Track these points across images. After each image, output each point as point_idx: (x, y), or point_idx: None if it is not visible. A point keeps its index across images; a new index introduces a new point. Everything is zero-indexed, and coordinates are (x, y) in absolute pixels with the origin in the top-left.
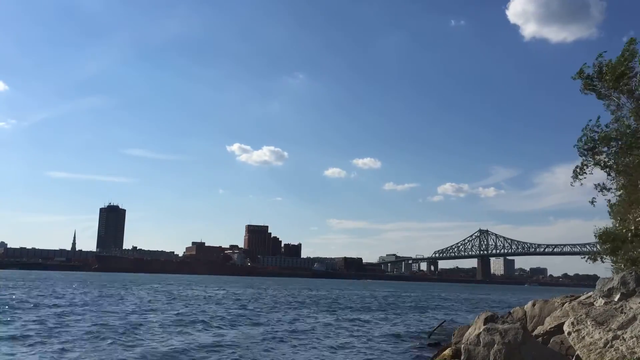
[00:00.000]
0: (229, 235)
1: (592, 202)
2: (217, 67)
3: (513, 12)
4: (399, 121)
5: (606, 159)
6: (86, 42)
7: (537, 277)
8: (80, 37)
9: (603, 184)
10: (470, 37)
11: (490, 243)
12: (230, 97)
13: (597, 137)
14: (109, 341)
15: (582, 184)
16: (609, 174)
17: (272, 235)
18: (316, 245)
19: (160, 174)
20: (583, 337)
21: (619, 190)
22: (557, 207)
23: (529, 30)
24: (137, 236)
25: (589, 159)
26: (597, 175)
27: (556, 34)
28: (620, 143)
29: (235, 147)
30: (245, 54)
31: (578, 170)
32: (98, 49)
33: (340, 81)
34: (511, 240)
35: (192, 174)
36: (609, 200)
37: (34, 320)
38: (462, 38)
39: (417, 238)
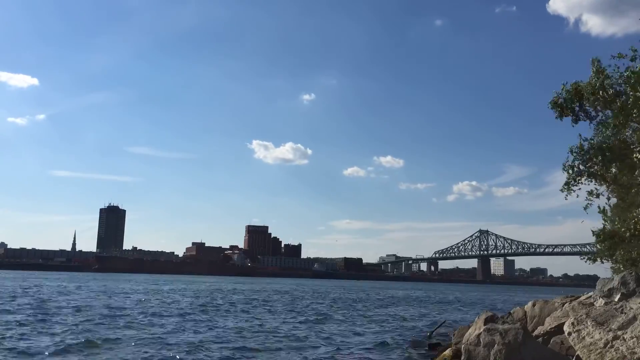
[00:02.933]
0: (229, 235)
1: (585, 209)
2: (235, 60)
3: (561, 3)
4: (422, 117)
5: (597, 169)
6: (92, 36)
7: (538, 277)
8: (86, 31)
9: (596, 189)
10: (507, 29)
11: (490, 243)
12: (251, 93)
13: (589, 151)
14: None
15: (577, 195)
16: (600, 183)
17: (273, 236)
18: (321, 246)
19: (168, 173)
20: (583, 338)
21: (612, 194)
22: (566, 207)
23: (573, 21)
24: (137, 236)
25: (583, 171)
26: (588, 184)
27: (604, 27)
28: (611, 151)
29: (254, 144)
30: (266, 46)
31: (571, 182)
32: (105, 43)
33: (370, 75)
34: (511, 240)
35: (200, 173)
36: (599, 207)
37: None
38: (497, 30)
39: (423, 238)
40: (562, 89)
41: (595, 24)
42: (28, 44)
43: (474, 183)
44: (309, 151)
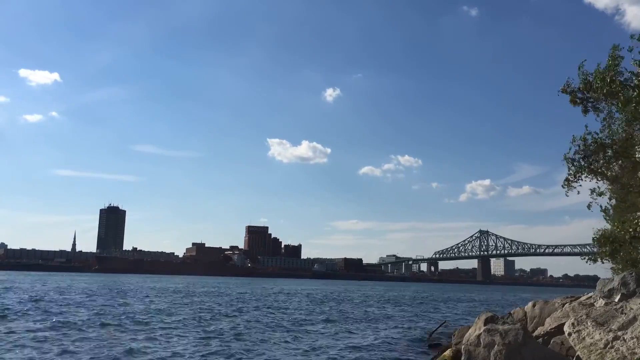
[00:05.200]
0: (230, 236)
1: (589, 207)
2: (250, 55)
3: None
4: (444, 115)
5: (599, 166)
6: (99, 32)
7: (538, 277)
8: (92, 27)
9: (598, 187)
10: (541, 20)
11: (490, 244)
12: (268, 89)
13: (591, 146)
14: None
15: (578, 192)
16: (602, 181)
17: (273, 236)
18: (324, 246)
19: (174, 172)
20: (583, 338)
21: (613, 195)
22: (574, 207)
23: (611, 12)
24: (137, 237)
25: (584, 166)
26: (591, 181)
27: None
28: (613, 150)
29: (269, 142)
30: (284, 39)
31: (571, 178)
32: (112, 38)
33: (392, 72)
34: (511, 240)
35: (207, 172)
36: (601, 206)
37: None
38: (530, 20)
39: (427, 238)
40: (578, 70)
41: (636, 15)
42: (39, 40)
43: (486, 182)
44: (328, 150)
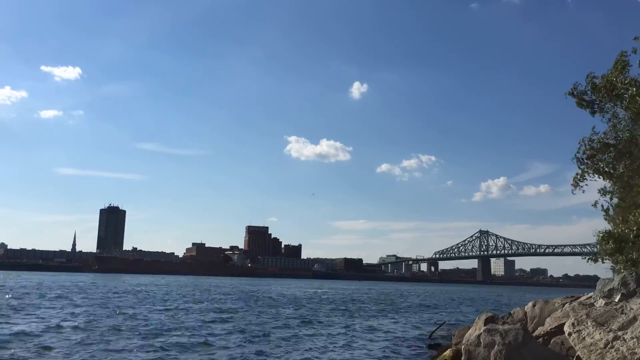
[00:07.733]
0: (230, 236)
1: (594, 205)
2: (261, 49)
3: None
4: (465, 114)
5: (604, 165)
6: (103, 23)
7: (538, 277)
8: (94, 23)
9: (605, 187)
10: (579, 13)
11: (490, 244)
12: (282, 84)
13: (596, 146)
14: None
15: (583, 191)
16: (608, 180)
17: (273, 236)
18: (328, 246)
19: (181, 170)
20: (584, 338)
21: (616, 194)
22: (582, 205)
23: None
24: (137, 237)
25: (589, 166)
26: (600, 180)
27: None
28: (618, 149)
29: (287, 140)
30: (296, 32)
31: (578, 177)
32: (116, 33)
33: (423, 68)
34: (511, 240)
35: (212, 171)
36: (602, 205)
37: None
38: (570, 13)
39: (432, 237)
40: (586, 78)
41: None
42: (56, 35)
43: (501, 181)
44: (350, 147)
